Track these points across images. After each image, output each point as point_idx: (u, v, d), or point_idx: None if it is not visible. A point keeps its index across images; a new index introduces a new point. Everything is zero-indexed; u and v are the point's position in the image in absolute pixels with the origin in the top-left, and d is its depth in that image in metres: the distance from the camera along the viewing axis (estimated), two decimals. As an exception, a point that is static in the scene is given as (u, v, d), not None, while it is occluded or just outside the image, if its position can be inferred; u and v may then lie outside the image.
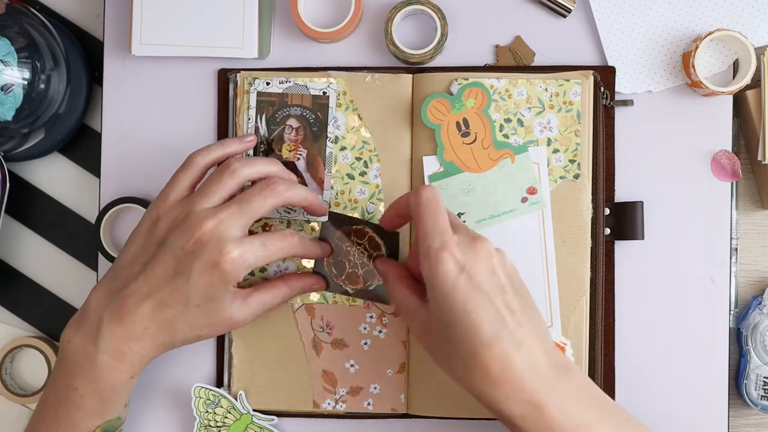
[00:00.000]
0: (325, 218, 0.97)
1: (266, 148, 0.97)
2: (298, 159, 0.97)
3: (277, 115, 0.97)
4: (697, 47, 0.96)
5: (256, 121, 0.97)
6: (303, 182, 0.98)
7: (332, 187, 0.98)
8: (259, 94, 0.97)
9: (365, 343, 0.98)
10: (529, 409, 0.81)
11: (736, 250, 1.02)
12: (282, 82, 0.97)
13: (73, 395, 0.88)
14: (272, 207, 0.89)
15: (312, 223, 0.98)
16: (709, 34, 0.96)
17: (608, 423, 0.83)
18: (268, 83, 0.97)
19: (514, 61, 1.00)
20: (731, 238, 0.99)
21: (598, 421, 0.82)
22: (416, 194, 0.87)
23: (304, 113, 0.97)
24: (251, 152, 0.97)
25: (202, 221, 0.87)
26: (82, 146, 1.06)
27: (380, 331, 0.98)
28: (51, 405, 0.89)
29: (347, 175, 0.98)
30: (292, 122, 0.97)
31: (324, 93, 0.97)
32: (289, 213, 0.97)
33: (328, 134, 0.97)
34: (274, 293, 0.93)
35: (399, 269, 0.93)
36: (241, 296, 0.90)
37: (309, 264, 0.98)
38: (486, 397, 0.82)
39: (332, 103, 0.98)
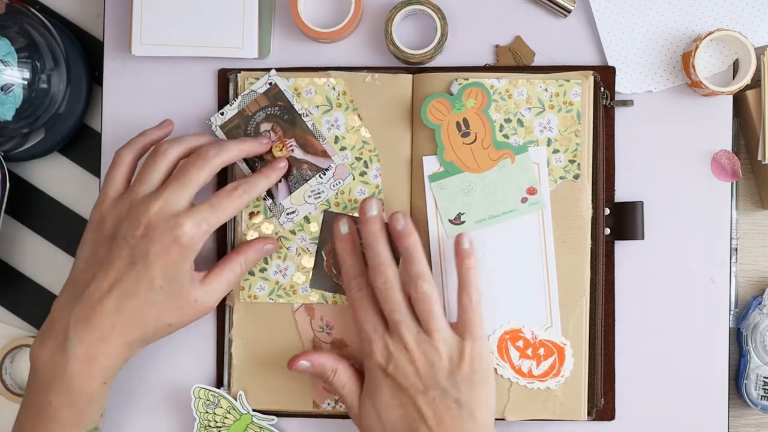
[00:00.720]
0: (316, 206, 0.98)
1: (260, 162, 0.98)
2: (292, 150, 0.98)
3: (249, 132, 0.98)
4: (697, 47, 0.96)
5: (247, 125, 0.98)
6: (309, 168, 0.98)
7: (341, 149, 0.98)
8: (222, 128, 0.98)
9: (365, 343, 0.98)
10: None
11: (736, 250, 1.02)
12: (231, 104, 0.98)
13: (47, 409, 0.88)
14: (210, 173, 0.91)
15: (312, 223, 0.98)
16: (709, 34, 0.96)
17: None
18: (222, 113, 0.98)
19: (514, 61, 1.00)
20: (731, 238, 0.99)
21: None
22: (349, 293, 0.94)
23: (268, 112, 0.98)
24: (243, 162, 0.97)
25: (147, 205, 0.88)
26: (82, 146, 1.06)
27: (380, 331, 0.98)
28: (27, 423, 0.89)
29: (347, 175, 0.98)
30: (264, 126, 0.98)
31: (270, 84, 0.98)
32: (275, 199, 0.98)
33: (299, 111, 0.97)
34: (230, 266, 0.94)
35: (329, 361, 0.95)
36: (199, 279, 0.91)
37: (308, 264, 0.98)
38: None
39: (283, 86, 0.98)
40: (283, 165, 0.97)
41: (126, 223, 0.89)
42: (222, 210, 0.90)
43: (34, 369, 0.89)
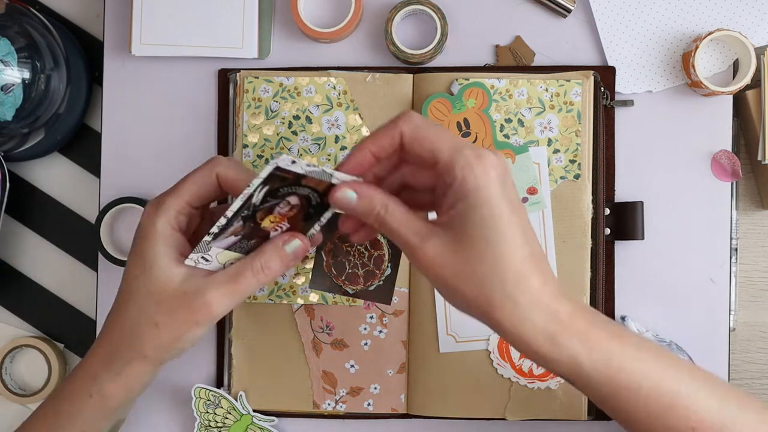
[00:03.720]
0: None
1: (249, 214, 0.80)
2: (276, 231, 0.83)
3: (281, 191, 0.79)
4: (697, 47, 0.96)
5: (255, 189, 0.77)
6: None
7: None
8: (278, 169, 0.75)
9: (365, 344, 0.98)
10: (566, 309, 0.74)
11: (736, 250, 1.02)
12: (309, 165, 0.76)
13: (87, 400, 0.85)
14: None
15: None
16: (709, 34, 0.96)
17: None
18: (294, 161, 0.75)
19: (514, 61, 1.00)
20: (731, 238, 0.99)
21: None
22: (408, 118, 0.77)
23: (311, 195, 0.80)
24: (229, 214, 0.79)
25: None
26: (82, 146, 1.06)
27: (380, 331, 0.98)
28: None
29: (347, 175, 0.98)
30: (293, 199, 0.80)
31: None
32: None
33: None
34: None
35: (394, 199, 0.78)
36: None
37: (308, 265, 0.98)
38: (525, 313, 0.74)
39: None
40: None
41: None
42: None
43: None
